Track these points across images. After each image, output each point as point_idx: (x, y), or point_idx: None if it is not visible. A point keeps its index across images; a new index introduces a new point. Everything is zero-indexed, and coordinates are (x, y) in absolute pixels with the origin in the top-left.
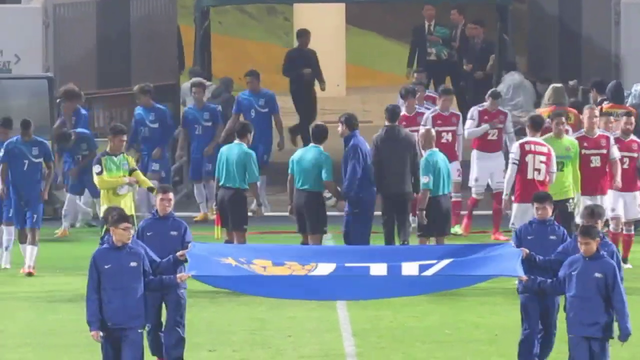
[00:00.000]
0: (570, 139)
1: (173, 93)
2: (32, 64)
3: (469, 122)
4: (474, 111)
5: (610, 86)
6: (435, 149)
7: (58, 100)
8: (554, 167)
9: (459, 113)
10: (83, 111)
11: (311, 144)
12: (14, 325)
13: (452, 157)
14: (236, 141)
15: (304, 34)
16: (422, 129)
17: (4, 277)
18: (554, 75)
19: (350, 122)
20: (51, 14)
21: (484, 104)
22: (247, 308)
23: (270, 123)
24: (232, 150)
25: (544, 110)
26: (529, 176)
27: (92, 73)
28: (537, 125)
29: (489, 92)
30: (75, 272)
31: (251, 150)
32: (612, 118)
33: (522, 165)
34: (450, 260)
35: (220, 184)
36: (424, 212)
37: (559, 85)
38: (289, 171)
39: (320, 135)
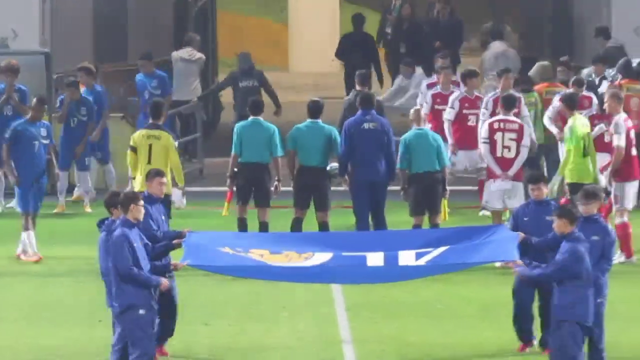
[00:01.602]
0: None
1: (168, 68)
2: (29, 40)
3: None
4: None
5: (621, 62)
6: (423, 127)
7: (55, 77)
8: (527, 141)
9: (482, 95)
10: (98, 88)
11: (309, 120)
12: (11, 298)
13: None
14: (251, 117)
15: (359, 19)
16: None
17: (2, 251)
18: (547, 52)
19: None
20: None
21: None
22: (243, 282)
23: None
24: (253, 126)
25: (537, 88)
26: (498, 154)
27: (88, 48)
28: (509, 104)
29: (573, 79)
30: (72, 246)
31: (273, 126)
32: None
33: (492, 144)
34: (447, 247)
35: (244, 160)
36: (404, 190)
37: (546, 62)
38: (290, 147)
39: (318, 110)
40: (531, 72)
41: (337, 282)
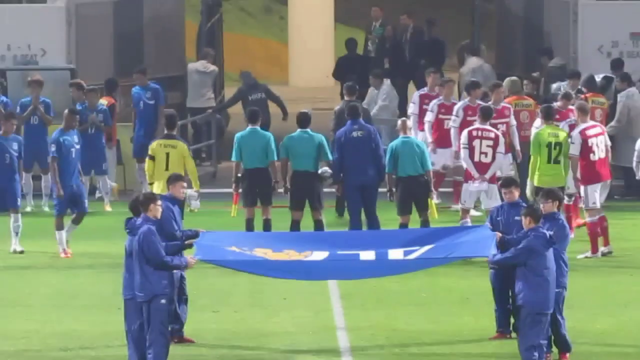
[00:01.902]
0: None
1: (181, 83)
2: (56, 57)
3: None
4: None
5: (586, 78)
6: (409, 136)
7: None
8: (502, 149)
9: (509, 105)
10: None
11: (299, 130)
12: (40, 287)
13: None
14: (249, 126)
15: (352, 43)
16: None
17: (32, 245)
18: (519, 68)
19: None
20: (73, 13)
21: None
22: (246, 273)
23: (156, 114)
24: (251, 135)
25: (508, 100)
26: (476, 159)
27: (109, 65)
28: (486, 115)
29: (562, 93)
30: (94, 241)
31: (269, 133)
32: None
33: (470, 149)
34: (432, 245)
35: (247, 167)
36: (390, 192)
37: (515, 78)
38: (282, 155)
39: (307, 121)
40: (504, 84)
41: (332, 278)
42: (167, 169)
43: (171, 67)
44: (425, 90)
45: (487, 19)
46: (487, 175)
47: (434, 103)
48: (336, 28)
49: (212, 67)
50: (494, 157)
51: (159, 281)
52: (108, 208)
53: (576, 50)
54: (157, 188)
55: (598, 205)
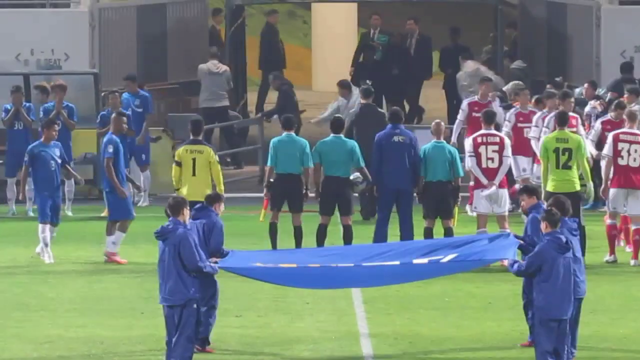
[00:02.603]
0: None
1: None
2: (79, 61)
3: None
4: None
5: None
6: (442, 141)
7: (103, 94)
8: (509, 153)
9: (577, 115)
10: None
11: (332, 135)
12: (64, 292)
13: None
14: (285, 133)
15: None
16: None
17: (56, 251)
18: (542, 73)
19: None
20: (97, 17)
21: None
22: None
23: (142, 121)
24: (287, 141)
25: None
26: (483, 165)
27: (132, 69)
28: (489, 119)
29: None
30: (122, 246)
31: (304, 139)
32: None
33: (477, 156)
34: (455, 254)
35: (279, 172)
36: (419, 196)
37: (519, 81)
38: (315, 160)
39: (340, 126)
40: (506, 88)
41: (357, 286)
42: (194, 174)
43: (194, 71)
44: (475, 98)
45: (510, 24)
46: (496, 181)
47: (511, 113)
48: (359, 33)
49: (224, 67)
50: (500, 162)
51: (192, 285)
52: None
53: (599, 55)
54: (182, 193)
55: (617, 209)
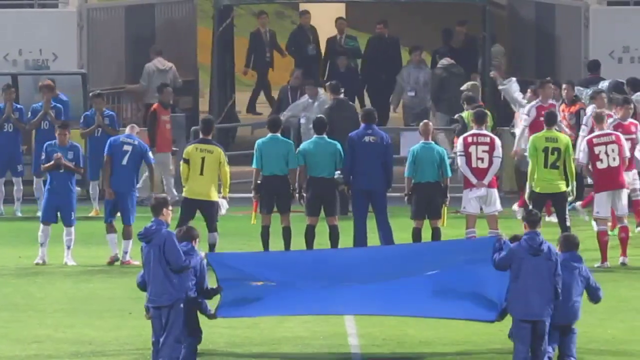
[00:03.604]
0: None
1: (192, 88)
2: (68, 62)
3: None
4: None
5: (614, 84)
6: (430, 142)
7: (90, 95)
8: (499, 153)
9: (636, 122)
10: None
11: (315, 136)
12: (52, 293)
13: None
14: (269, 134)
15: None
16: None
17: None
18: (531, 73)
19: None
20: (85, 17)
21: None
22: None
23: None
24: (271, 142)
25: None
26: (473, 165)
27: (121, 70)
28: (480, 118)
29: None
30: (105, 246)
31: (290, 140)
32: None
33: (467, 156)
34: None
35: (265, 174)
36: (408, 197)
37: (475, 82)
38: (300, 162)
39: (323, 127)
40: (463, 88)
41: (353, 313)
42: (201, 173)
43: (183, 72)
44: (539, 102)
45: (499, 25)
46: (485, 181)
47: (532, 106)
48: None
49: (169, 64)
50: (490, 162)
51: (181, 285)
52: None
53: (587, 56)
54: (189, 191)
55: (602, 214)
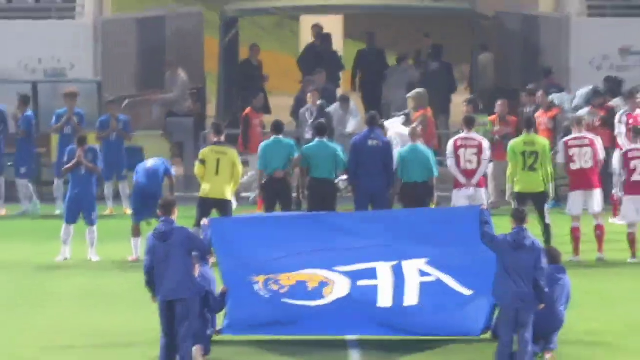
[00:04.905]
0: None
1: (201, 95)
2: (84, 70)
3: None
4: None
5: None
6: (417, 144)
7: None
8: (487, 155)
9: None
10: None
11: (317, 139)
12: (68, 288)
13: None
14: (273, 137)
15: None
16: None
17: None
18: (517, 82)
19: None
20: (100, 29)
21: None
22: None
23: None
24: (275, 144)
25: (416, 115)
26: (462, 166)
27: (132, 78)
28: (469, 123)
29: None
30: (121, 243)
31: (292, 141)
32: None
33: (457, 158)
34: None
35: (269, 173)
36: (397, 196)
37: (421, 90)
38: (302, 165)
39: (324, 130)
40: (409, 96)
41: (348, 334)
42: (217, 173)
43: (191, 80)
44: (628, 110)
45: (488, 36)
46: (474, 181)
47: (621, 114)
48: (345, 44)
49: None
50: (479, 163)
51: (195, 279)
52: (128, 211)
53: (568, 64)
54: (205, 191)
55: (573, 212)
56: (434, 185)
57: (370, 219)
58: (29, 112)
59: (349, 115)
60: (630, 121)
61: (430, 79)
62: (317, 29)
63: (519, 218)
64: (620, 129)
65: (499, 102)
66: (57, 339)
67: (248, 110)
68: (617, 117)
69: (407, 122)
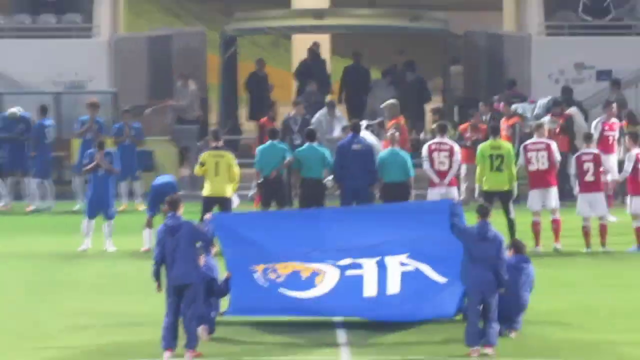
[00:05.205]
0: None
1: (203, 104)
2: (101, 82)
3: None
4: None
5: (552, 102)
6: (396, 148)
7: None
8: (457, 158)
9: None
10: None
11: (307, 144)
12: (87, 275)
13: None
14: (268, 141)
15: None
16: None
17: (80, 238)
18: (482, 94)
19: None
20: (114, 46)
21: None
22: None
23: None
24: (270, 148)
25: (389, 124)
26: (436, 167)
27: (143, 89)
28: (442, 130)
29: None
30: (134, 235)
31: (283, 145)
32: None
33: (431, 161)
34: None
35: (265, 174)
36: (379, 194)
37: (394, 101)
38: (294, 167)
39: (313, 136)
40: (383, 106)
41: (337, 315)
42: (216, 174)
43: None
44: (604, 119)
45: (458, 53)
46: (446, 181)
47: (597, 122)
48: (332, 60)
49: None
50: (450, 165)
51: (200, 268)
52: (141, 207)
53: (529, 77)
54: (207, 190)
55: (533, 208)
56: (411, 185)
57: (356, 214)
58: (47, 121)
59: (335, 120)
60: (606, 128)
61: (406, 91)
62: (315, 47)
63: (483, 213)
64: (595, 136)
65: (473, 113)
66: (77, 319)
67: (264, 119)
68: (592, 125)
69: (382, 128)
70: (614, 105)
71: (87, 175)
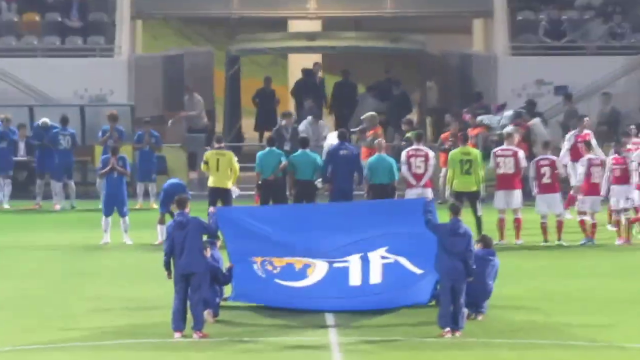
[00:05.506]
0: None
1: (211, 118)
2: (120, 96)
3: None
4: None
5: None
6: (382, 154)
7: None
8: (432, 162)
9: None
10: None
11: (301, 150)
12: (107, 264)
13: None
14: (267, 148)
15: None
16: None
17: (101, 233)
18: (454, 106)
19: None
20: (133, 64)
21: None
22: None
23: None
24: (268, 153)
25: (369, 133)
26: (413, 171)
27: (159, 102)
28: (419, 138)
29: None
30: (149, 230)
31: (280, 151)
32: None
33: (409, 165)
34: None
35: (264, 177)
36: (366, 194)
37: (373, 113)
38: (289, 169)
39: (306, 143)
40: (363, 117)
41: (326, 309)
42: (217, 170)
43: (204, 103)
44: (577, 132)
45: (433, 70)
46: (422, 182)
47: (571, 135)
48: (324, 76)
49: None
50: (426, 169)
51: (206, 258)
52: (154, 205)
53: (496, 92)
54: (211, 182)
55: (500, 207)
56: (395, 187)
57: (342, 210)
58: (63, 130)
59: (321, 128)
60: (579, 140)
61: (392, 103)
62: (317, 67)
63: (455, 211)
64: (567, 146)
65: (452, 125)
66: (99, 303)
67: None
68: (566, 136)
69: (363, 134)
70: (586, 119)
71: (103, 178)
